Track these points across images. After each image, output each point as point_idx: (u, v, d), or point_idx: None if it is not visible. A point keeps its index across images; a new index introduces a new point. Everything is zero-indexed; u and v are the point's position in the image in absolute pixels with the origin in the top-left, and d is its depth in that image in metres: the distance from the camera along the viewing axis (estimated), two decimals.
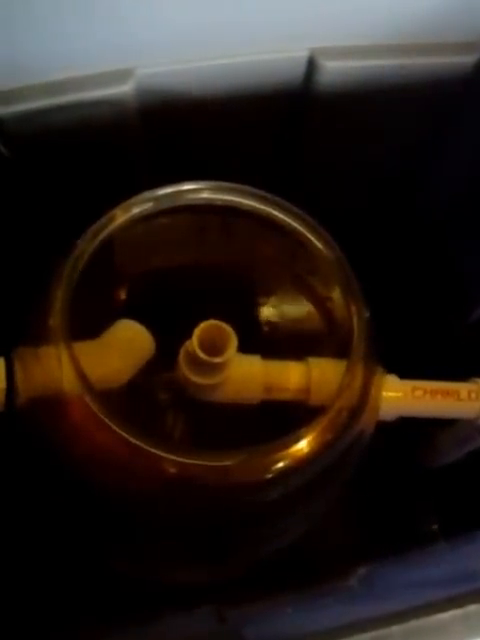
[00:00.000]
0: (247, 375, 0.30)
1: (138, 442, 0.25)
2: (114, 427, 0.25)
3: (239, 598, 0.34)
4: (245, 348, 0.30)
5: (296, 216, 0.30)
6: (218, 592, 0.35)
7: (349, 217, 0.44)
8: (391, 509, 0.44)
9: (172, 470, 0.25)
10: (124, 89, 0.33)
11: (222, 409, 0.31)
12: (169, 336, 0.30)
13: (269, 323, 0.35)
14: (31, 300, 0.29)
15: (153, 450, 0.25)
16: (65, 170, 0.36)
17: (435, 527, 0.43)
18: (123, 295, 0.33)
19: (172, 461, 0.25)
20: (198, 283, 0.33)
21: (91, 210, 0.31)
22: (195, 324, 0.28)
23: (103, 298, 0.32)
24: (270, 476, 0.27)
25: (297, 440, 0.27)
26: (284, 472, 0.27)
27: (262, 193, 0.31)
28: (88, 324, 0.30)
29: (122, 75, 0.33)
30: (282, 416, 0.32)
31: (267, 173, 0.40)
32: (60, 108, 0.32)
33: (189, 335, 0.28)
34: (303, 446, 0.27)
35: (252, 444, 0.32)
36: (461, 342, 0.46)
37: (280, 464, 0.27)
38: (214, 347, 0.28)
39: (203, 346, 0.28)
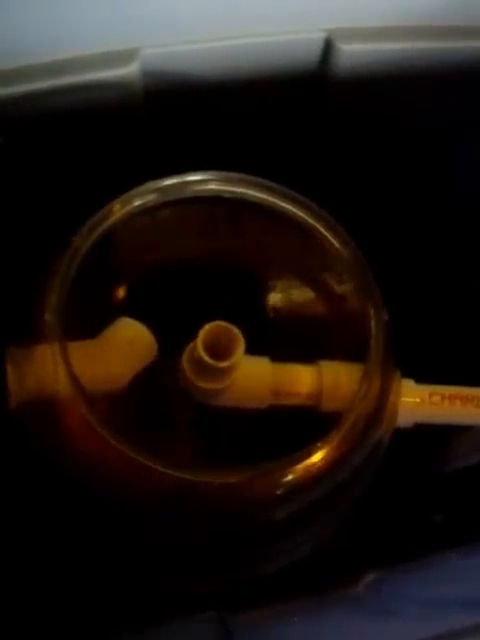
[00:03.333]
0: (255, 379, 0.28)
1: (134, 455, 0.22)
2: (108, 437, 0.22)
3: (243, 605, 0.32)
4: (253, 349, 0.27)
5: (310, 210, 0.28)
6: (221, 599, 0.33)
7: (367, 207, 0.41)
8: (403, 514, 0.42)
9: (172, 485, 0.23)
10: (128, 70, 0.30)
11: (228, 413, 0.28)
12: (173, 336, 0.28)
13: (279, 323, 0.32)
14: (26, 297, 0.26)
15: (151, 464, 0.22)
16: (64, 156, 0.33)
17: (448, 533, 0.41)
18: (124, 292, 0.30)
19: (172, 476, 0.22)
20: (204, 280, 0.31)
21: (92, 199, 0.28)
22: (200, 323, 0.26)
23: (102, 295, 0.29)
24: (279, 493, 0.24)
25: (309, 455, 0.24)
26: (294, 489, 0.24)
27: (273, 185, 0.28)
28: (86, 323, 0.27)
29: (126, 55, 0.30)
30: (293, 419, 0.29)
31: (279, 162, 0.38)
32: (59, 90, 0.29)
33: (194, 335, 0.26)
34: (315, 461, 0.24)
35: (261, 450, 0.30)
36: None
37: (290, 480, 0.24)
38: (220, 349, 0.26)
39: (208, 349, 0.25)
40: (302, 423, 0.29)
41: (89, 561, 0.32)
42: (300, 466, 0.24)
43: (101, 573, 0.33)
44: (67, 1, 0.29)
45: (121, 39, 0.30)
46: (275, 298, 0.32)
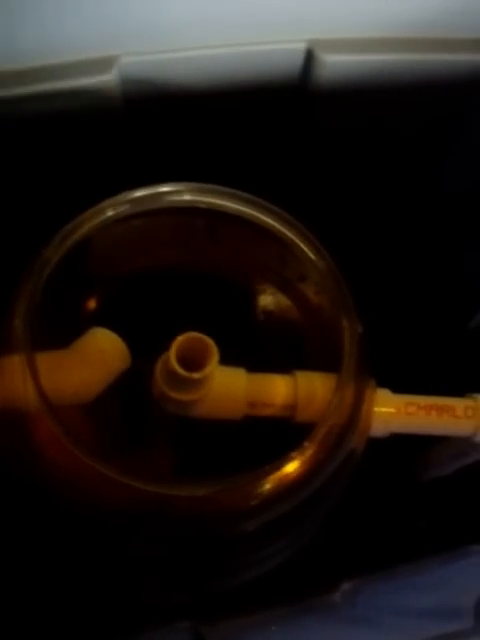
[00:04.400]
0: (230, 390, 0.27)
1: (103, 469, 0.22)
2: (76, 450, 0.22)
3: (218, 614, 0.32)
4: (230, 358, 0.27)
5: (286, 222, 0.27)
6: (196, 608, 0.33)
7: (346, 218, 0.41)
8: (380, 522, 0.41)
9: (142, 498, 0.22)
10: (106, 78, 0.29)
11: (203, 423, 0.28)
12: (147, 346, 0.27)
13: (256, 332, 0.32)
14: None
15: (120, 478, 0.22)
16: (41, 163, 0.32)
17: (425, 542, 0.41)
18: (98, 301, 0.29)
19: (141, 490, 0.22)
20: (180, 289, 0.30)
21: (69, 207, 0.27)
22: (175, 333, 0.25)
23: (75, 304, 0.28)
24: (253, 504, 0.24)
25: (282, 466, 0.24)
26: (268, 500, 0.24)
27: (248, 196, 0.27)
28: (60, 334, 0.26)
29: (104, 63, 0.30)
30: (268, 427, 0.29)
31: (259, 172, 0.37)
32: (33, 98, 0.28)
33: (168, 346, 0.25)
34: (288, 472, 0.24)
35: (236, 461, 0.29)
36: (459, 352, 0.43)
37: (263, 492, 0.24)
38: (194, 360, 0.25)
39: (182, 360, 0.25)
40: (278, 432, 0.29)
41: (61, 572, 0.32)
42: (273, 477, 0.24)
43: (74, 584, 0.32)
44: (46, 8, 0.28)
45: (100, 46, 0.30)
46: (252, 307, 0.32)
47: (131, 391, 0.27)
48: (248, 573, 0.29)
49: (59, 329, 0.26)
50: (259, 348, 0.31)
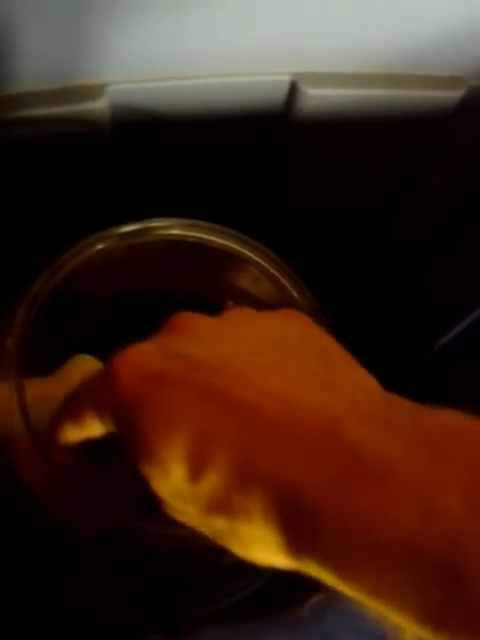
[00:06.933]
0: None
1: (83, 501, 0.21)
2: (55, 477, 0.21)
3: (187, 627, 0.31)
4: None
5: (270, 259, 0.27)
6: (167, 621, 0.32)
7: (321, 245, 0.41)
8: None
9: (119, 530, 0.22)
10: (96, 106, 0.29)
11: None
12: None
13: None
14: None
15: (99, 510, 0.21)
16: (27, 190, 0.32)
17: None
18: (84, 327, 0.29)
19: (120, 524, 0.22)
20: (162, 315, 0.30)
21: (56, 231, 0.27)
22: None
23: (62, 333, 0.28)
24: None
25: None
26: None
27: (234, 232, 0.27)
28: (44, 357, 0.26)
29: (94, 91, 0.29)
30: None
31: (242, 197, 0.37)
32: (23, 122, 0.27)
33: None
34: None
35: None
36: (423, 373, 0.43)
37: None
38: None
39: None
40: None
41: (36, 585, 0.31)
42: None
43: (49, 597, 0.32)
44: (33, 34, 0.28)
45: (89, 74, 0.29)
46: None
47: None
48: (222, 603, 0.29)
49: (45, 354, 0.26)
50: None
